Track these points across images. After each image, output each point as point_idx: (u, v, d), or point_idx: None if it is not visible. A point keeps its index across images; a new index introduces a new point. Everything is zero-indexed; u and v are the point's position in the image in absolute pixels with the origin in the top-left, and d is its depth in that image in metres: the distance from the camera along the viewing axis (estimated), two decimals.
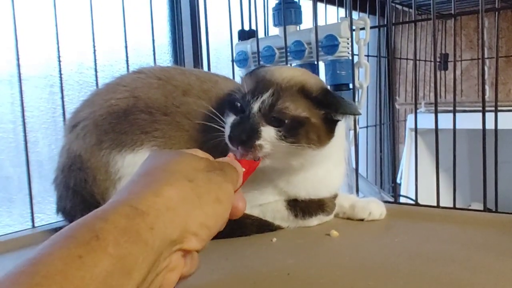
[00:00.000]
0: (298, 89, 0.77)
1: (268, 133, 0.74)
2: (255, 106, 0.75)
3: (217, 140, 0.78)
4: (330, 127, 0.79)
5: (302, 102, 0.76)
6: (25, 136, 1.00)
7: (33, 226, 1.00)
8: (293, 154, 0.77)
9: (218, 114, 0.79)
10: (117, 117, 0.83)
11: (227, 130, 0.76)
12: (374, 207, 0.93)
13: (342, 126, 0.89)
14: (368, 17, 1.25)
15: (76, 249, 0.37)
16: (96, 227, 0.39)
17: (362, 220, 0.92)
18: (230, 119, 0.77)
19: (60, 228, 0.94)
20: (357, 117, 1.17)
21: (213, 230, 0.48)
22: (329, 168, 0.87)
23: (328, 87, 1.08)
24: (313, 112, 0.77)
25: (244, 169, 0.60)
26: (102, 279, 0.36)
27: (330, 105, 0.77)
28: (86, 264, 0.36)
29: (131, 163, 0.81)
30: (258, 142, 0.73)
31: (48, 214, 1.20)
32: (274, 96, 0.75)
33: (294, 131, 0.74)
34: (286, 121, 0.74)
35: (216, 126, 0.78)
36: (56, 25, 1.06)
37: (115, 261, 0.37)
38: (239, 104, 0.78)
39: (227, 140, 0.75)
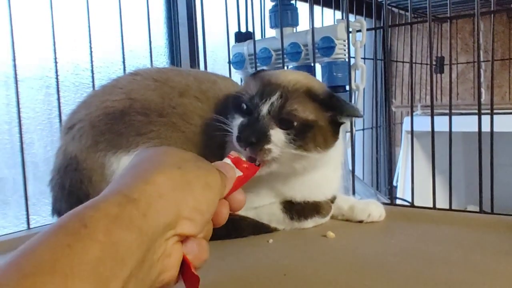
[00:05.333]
0: (304, 92, 0.78)
1: (278, 136, 0.74)
2: (264, 109, 0.75)
3: (216, 143, 0.78)
4: (335, 129, 0.80)
5: (310, 105, 0.77)
6: (20, 137, 0.99)
7: (28, 228, 0.99)
8: (298, 158, 0.77)
9: (221, 118, 0.79)
10: (113, 118, 0.83)
11: (235, 131, 0.76)
12: (373, 208, 0.93)
13: (341, 130, 0.89)
14: (365, 19, 1.26)
15: (65, 238, 0.36)
16: (85, 216, 0.39)
17: (361, 221, 0.92)
18: (238, 120, 0.77)
19: None
20: (354, 119, 1.17)
21: (206, 215, 0.49)
22: (327, 173, 0.87)
23: None
24: (320, 114, 0.77)
25: (241, 173, 0.59)
26: (92, 266, 0.35)
27: (336, 107, 0.78)
28: (75, 252, 0.35)
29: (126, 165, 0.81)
30: (267, 146, 0.73)
31: (43, 216, 1.20)
32: (282, 98, 0.75)
33: (302, 134, 0.75)
34: (295, 123, 0.75)
35: (223, 126, 0.78)
36: (53, 26, 1.06)
37: (106, 248, 0.37)
38: (245, 106, 0.78)
39: (234, 141, 0.75)
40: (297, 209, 0.87)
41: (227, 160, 0.62)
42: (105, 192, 0.44)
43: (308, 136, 0.75)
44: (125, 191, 0.43)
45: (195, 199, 0.47)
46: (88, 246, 0.36)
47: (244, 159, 0.66)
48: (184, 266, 0.48)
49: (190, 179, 0.48)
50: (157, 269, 0.44)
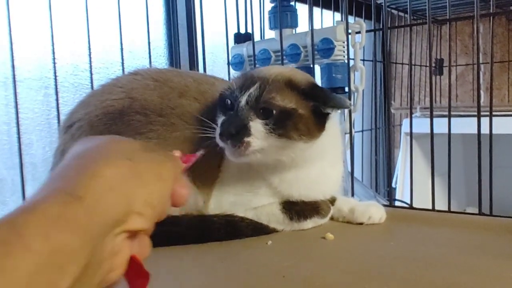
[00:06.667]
0: (285, 82, 0.78)
1: (257, 128, 0.75)
2: (243, 100, 0.76)
3: (213, 141, 0.78)
4: (320, 120, 0.80)
5: (289, 94, 0.77)
6: (19, 138, 0.99)
7: None
8: (283, 148, 0.78)
9: (207, 121, 0.79)
10: (112, 118, 0.83)
11: (217, 130, 0.77)
12: (374, 211, 0.92)
13: (337, 126, 0.90)
14: (364, 21, 1.26)
15: None
16: (19, 222, 0.34)
17: (361, 224, 0.91)
18: (221, 119, 0.78)
19: None
20: (353, 120, 1.17)
21: (158, 209, 0.45)
22: (324, 169, 0.87)
23: None
24: (301, 103, 0.78)
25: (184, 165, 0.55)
26: (25, 282, 0.32)
27: (318, 97, 0.78)
28: (3, 269, 0.31)
29: None
30: (247, 139, 0.74)
31: None
32: (260, 89, 0.76)
33: (282, 122, 0.75)
34: (274, 112, 0.75)
35: (209, 134, 0.78)
36: (52, 27, 1.06)
37: (42, 259, 0.33)
38: (229, 102, 0.79)
39: (217, 139, 0.76)
40: (296, 209, 0.87)
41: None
42: (46, 190, 0.39)
43: (289, 124, 0.76)
44: (69, 189, 0.38)
45: (146, 192, 0.43)
46: (20, 259, 0.32)
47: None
48: (130, 263, 0.44)
49: (142, 171, 0.43)
50: (105, 269, 0.41)
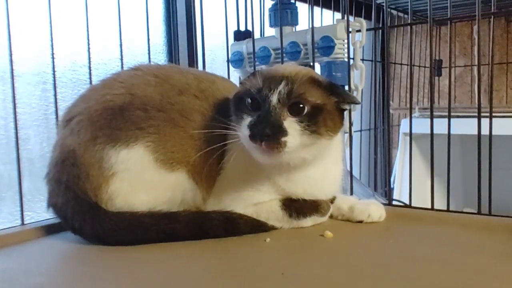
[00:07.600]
0: (308, 79, 0.79)
1: (293, 126, 0.75)
2: (274, 98, 0.76)
3: (216, 139, 0.79)
4: (340, 115, 0.82)
5: (315, 90, 0.78)
6: (16, 133, 0.98)
7: (22, 224, 0.98)
8: (311, 145, 0.78)
9: (222, 121, 0.80)
10: (113, 113, 0.82)
11: (244, 132, 0.75)
12: (373, 209, 0.92)
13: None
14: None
15: None
16: None
17: (361, 222, 0.91)
18: (246, 120, 0.77)
19: (50, 225, 0.92)
20: (352, 120, 1.17)
21: None
22: (327, 167, 0.87)
23: None
24: (327, 99, 0.79)
25: None
26: None
27: (339, 94, 0.80)
28: None
29: (125, 159, 0.80)
30: (284, 139, 0.74)
31: (38, 212, 1.19)
32: (288, 86, 0.76)
33: (314, 119, 0.76)
34: (306, 108, 0.76)
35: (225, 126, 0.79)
36: (50, 22, 1.05)
37: None
38: (250, 100, 0.78)
39: (246, 141, 0.75)
40: (296, 207, 0.86)
41: None
42: None
43: (320, 120, 0.77)
44: None
45: None
46: None
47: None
48: None
49: None
50: None
